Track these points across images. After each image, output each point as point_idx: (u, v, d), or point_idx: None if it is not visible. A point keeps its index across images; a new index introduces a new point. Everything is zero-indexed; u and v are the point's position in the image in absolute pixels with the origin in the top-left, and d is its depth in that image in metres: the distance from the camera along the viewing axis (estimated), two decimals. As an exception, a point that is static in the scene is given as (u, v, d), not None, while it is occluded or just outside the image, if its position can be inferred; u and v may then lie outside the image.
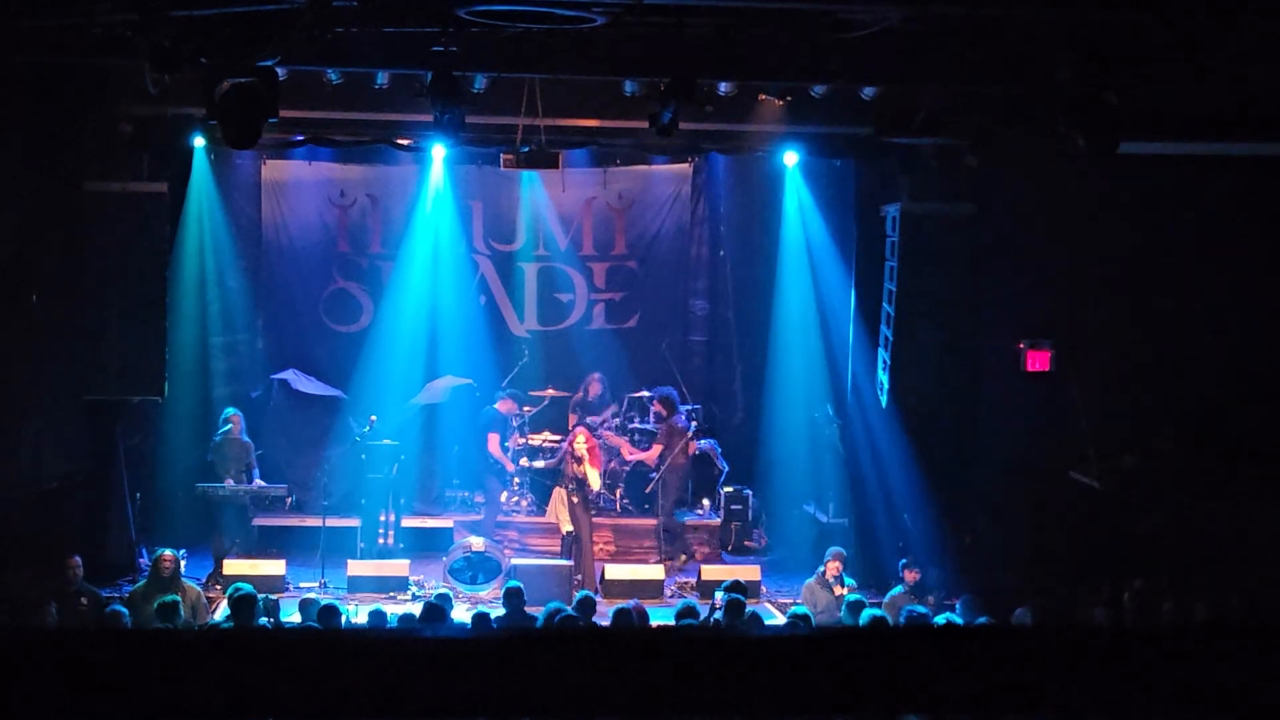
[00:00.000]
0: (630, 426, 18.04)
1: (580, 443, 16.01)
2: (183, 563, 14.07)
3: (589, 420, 17.54)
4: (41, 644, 3.20)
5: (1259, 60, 12.06)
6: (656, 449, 17.06)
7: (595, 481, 16.14)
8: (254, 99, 11.45)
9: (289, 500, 17.26)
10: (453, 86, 12.25)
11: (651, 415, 18.04)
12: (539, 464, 17.25)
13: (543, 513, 16.85)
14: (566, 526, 15.93)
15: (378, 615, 12.49)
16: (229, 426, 16.39)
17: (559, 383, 18.42)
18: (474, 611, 13.06)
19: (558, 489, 16.19)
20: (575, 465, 15.93)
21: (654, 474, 16.98)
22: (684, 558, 16.99)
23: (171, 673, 3.07)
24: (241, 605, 11.85)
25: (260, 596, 12.24)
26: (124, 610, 12.29)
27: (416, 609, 13.31)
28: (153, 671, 3.07)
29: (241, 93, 11.39)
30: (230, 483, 16.16)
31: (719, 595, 12.89)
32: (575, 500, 15.93)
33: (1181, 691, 3.28)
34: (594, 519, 16.63)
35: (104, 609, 12.90)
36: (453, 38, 11.84)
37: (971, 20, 11.82)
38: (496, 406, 17.32)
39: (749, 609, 13.06)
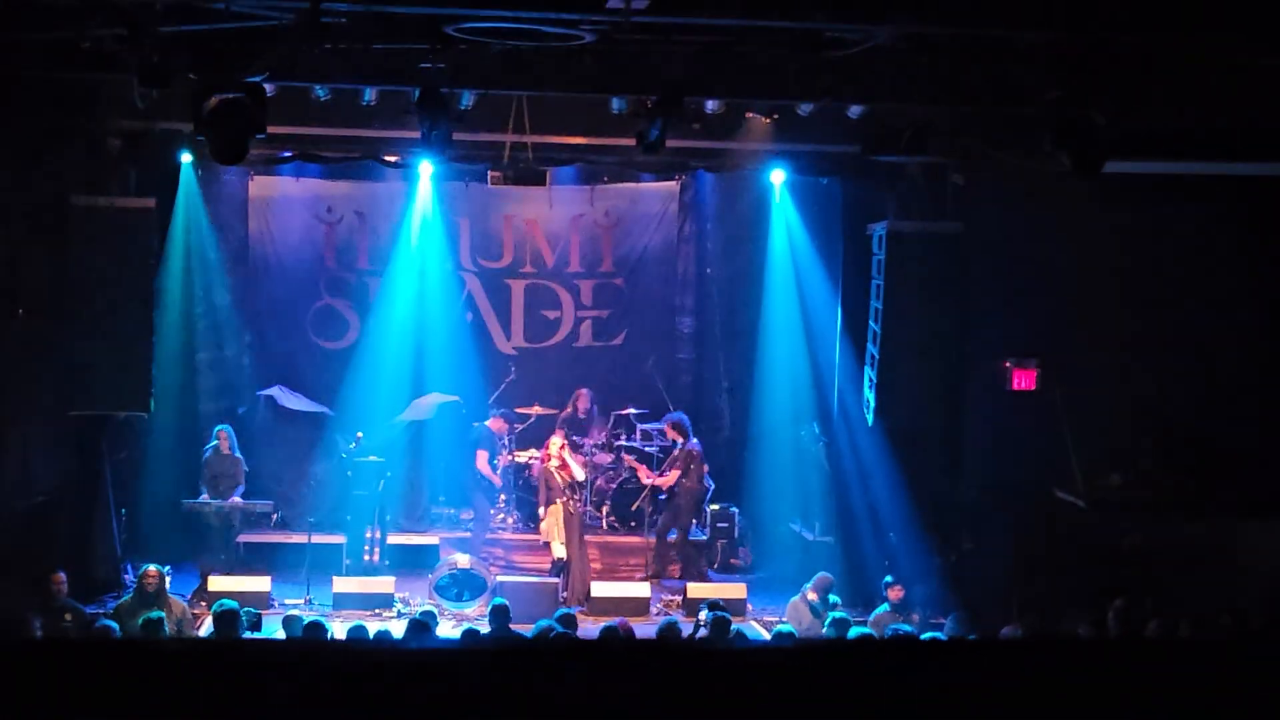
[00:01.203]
0: (617, 444, 18.03)
1: (554, 446, 16.01)
2: (168, 579, 14.03)
3: (574, 439, 17.52)
4: (29, 655, 3.20)
5: (1244, 80, 12.11)
6: (674, 474, 16.97)
7: (580, 473, 16.15)
8: (242, 115, 11.44)
9: (274, 516, 17.25)
10: (440, 103, 12.26)
11: (639, 433, 18.04)
12: (531, 463, 17.22)
13: (530, 529, 16.81)
14: (559, 553, 15.87)
15: (358, 631, 12.46)
16: (216, 442, 16.42)
17: (546, 400, 18.41)
18: (462, 629, 13.05)
19: (551, 506, 16.11)
20: (561, 472, 15.93)
21: (661, 495, 17.00)
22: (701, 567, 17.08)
23: (158, 684, 3.07)
24: (225, 621, 11.82)
25: (243, 610, 12.22)
26: (114, 625, 12.25)
27: (401, 626, 13.30)
28: (140, 683, 3.07)
29: (229, 108, 11.39)
30: (216, 499, 16.17)
31: (703, 613, 12.88)
32: (571, 511, 15.90)
33: (1164, 704, 3.30)
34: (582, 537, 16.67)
35: (89, 625, 12.87)
36: (440, 54, 11.86)
37: (958, 40, 11.86)
38: (488, 424, 17.31)
39: (734, 627, 13.06)
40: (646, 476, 17.37)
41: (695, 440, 17.18)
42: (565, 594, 15.55)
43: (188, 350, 17.64)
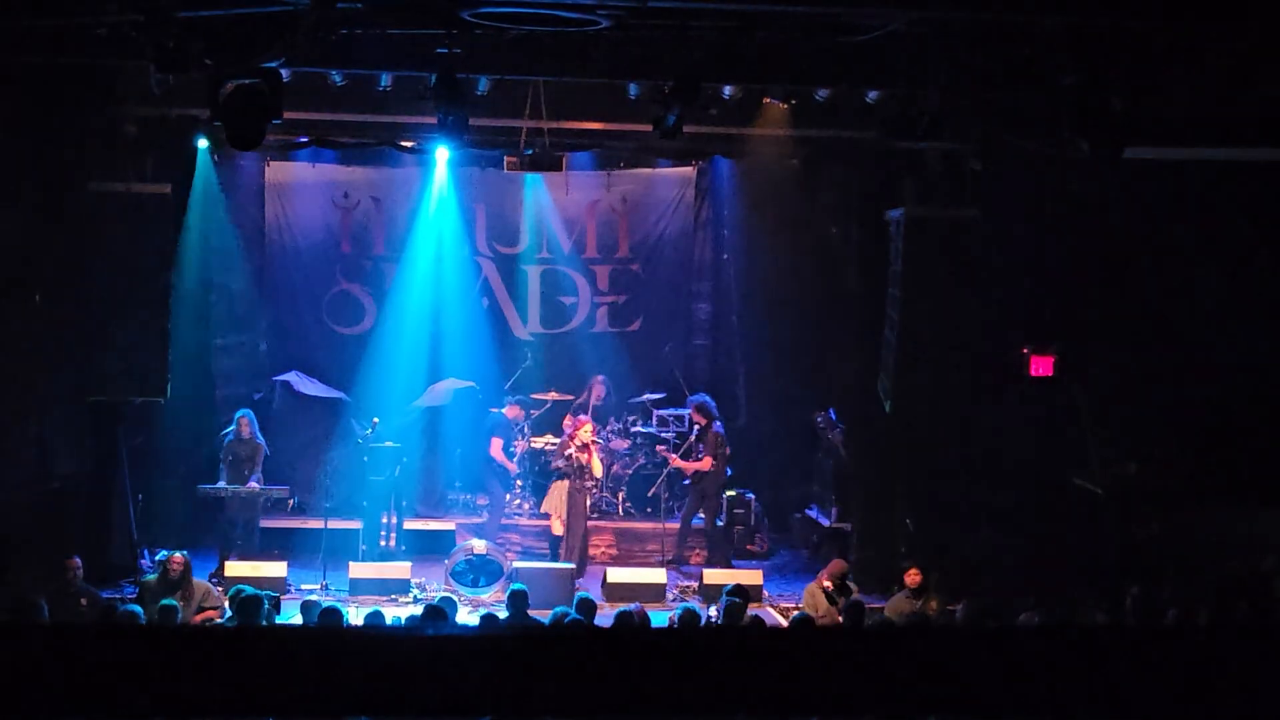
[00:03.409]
0: (633, 430, 18.01)
1: (585, 431, 16.08)
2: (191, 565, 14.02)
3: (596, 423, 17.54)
4: (43, 640, 3.19)
5: (1263, 65, 12.05)
6: (708, 460, 16.79)
7: (598, 469, 16.17)
8: (258, 100, 11.45)
9: (291, 502, 17.28)
10: (456, 89, 12.25)
11: (655, 419, 18.01)
12: (547, 449, 17.21)
13: (546, 516, 16.82)
14: (557, 529, 15.98)
15: (375, 617, 12.48)
16: (236, 426, 16.39)
17: (562, 386, 18.41)
18: (481, 614, 13.08)
19: (559, 481, 16.24)
20: (579, 452, 15.97)
21: (685, 480, 16.93)
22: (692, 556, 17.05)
23: (174, 670, 3.07)
24: (244, 607, 11.84)
25: (263, 595, 12.26)
26: (139, 610, 12.26)
27: (418, 611, 13.31)
28: (156, 668, 3.06)
29: (245, 94, 11.39)
30: (234, 484, 16.18)
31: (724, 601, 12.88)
32: (575, 488, 15.98)
33: (1180, 692, 3.28)
34: (597, 522, 16.70)
35: (105, 610, 12.88)
36: (457, 40, 11.85)
37: (976, 25, 11.82)
38: (504, 411, 17.31)
39: (751, 613, 13.05)
40: (676, 464, 17.14)
41: (719, 423, 17.09)
42: (580, 579, 15.60)
43: (204, 336, 17.66)
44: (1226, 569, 13.90)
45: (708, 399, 17.14)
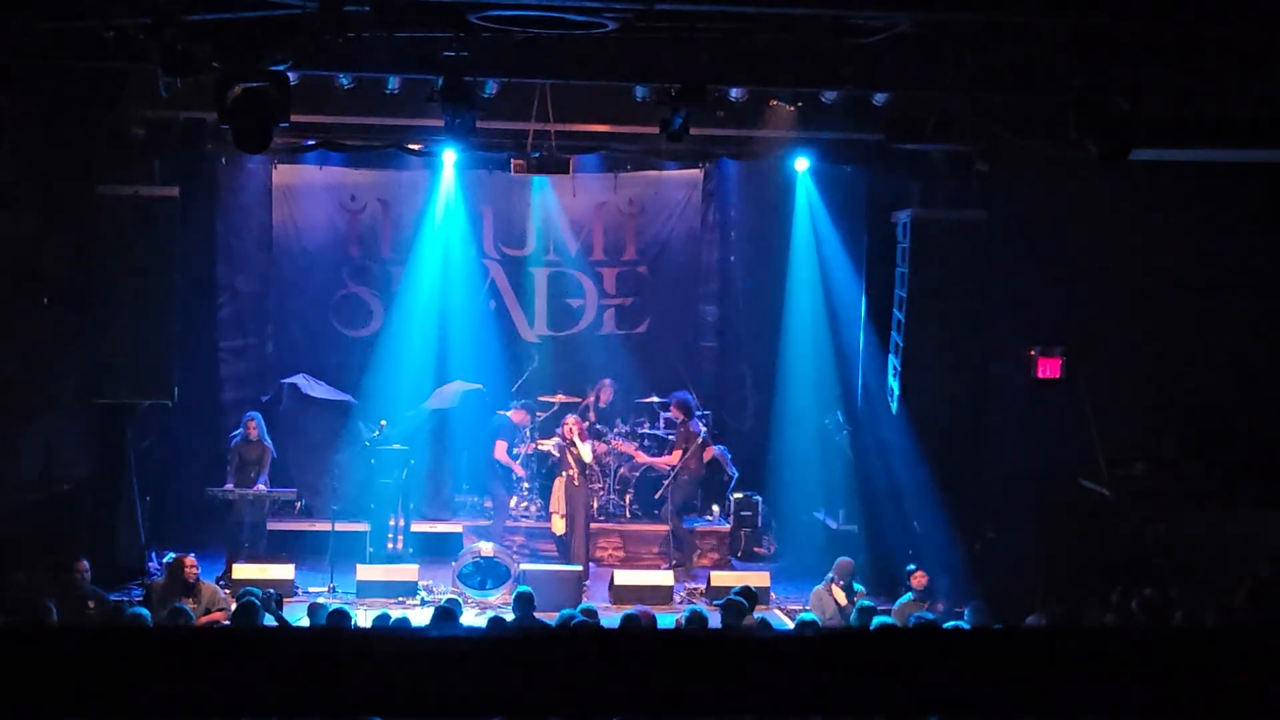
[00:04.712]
0: (640, 432, 18.03)
1: (569, 428, 16.23)
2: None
3: (598, 426, 17.57)
4: (50, 642, 3.20)
5: (1270, 66, 12.03)
6: (676, 454, 16.96)
7: (588, 455, 16.31)
8: (265, 103, 11.45)
9: (298, 505, 17.27)
10: (464, 91, 12.26)
11: (663, 420, 18.02)
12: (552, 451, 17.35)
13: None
14: (558, 528, 16.10)
15: (382, 619, 12.49)
16: (244, 429, 16.40)
17: (569, 388, 18.42)
18: (489, 616, 13.09)
19: (558, 478, 16.38)
20: (569, 450, 16.10)
21: (665, 479, 16.98)
22: (697, 559, 17.07)
23: (178, 671, 3.07)
24: (239, 615, 11.83)
25: (264, 592, 12.28)
26: (146, 613, 12.27)
27: (425, 614, 13.33)
28: (159, 669, 3.07)
29: (253, 97, 11.40)
30: (241, 486, 16.19)
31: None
32: (576, 484, 16.13)
33: (1188, 694, 3.27)
34: (604, 525, 16.70)
35: (112, 613, 12.89)
36: (464, 43, 11.85)
37: (982, 26, 11.80)
38: (510, 415, 17.33)
39: (758, 615, 13.05)
40: (642, 460, 17.40)
41: (696, 421, 17.17)
42: (587, 583, 15.64)
43: (211, 339, 17.72)
44: (1257, 571, 13.85)
45: (688, 396, 17.33)
